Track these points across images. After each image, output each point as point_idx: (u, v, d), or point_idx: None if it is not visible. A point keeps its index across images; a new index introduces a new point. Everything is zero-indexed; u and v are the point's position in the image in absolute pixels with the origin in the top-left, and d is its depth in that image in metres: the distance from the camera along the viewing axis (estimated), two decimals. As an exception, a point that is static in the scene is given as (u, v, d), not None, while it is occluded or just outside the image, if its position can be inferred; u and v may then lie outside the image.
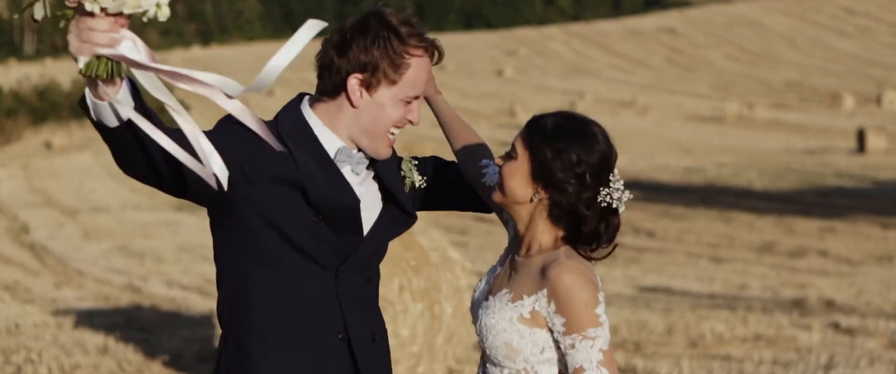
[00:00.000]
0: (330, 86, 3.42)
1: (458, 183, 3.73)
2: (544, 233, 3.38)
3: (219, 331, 3.76)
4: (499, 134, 41.88)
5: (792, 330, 11.43)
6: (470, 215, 22.41)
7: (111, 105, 3.05)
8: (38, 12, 2.95)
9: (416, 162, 3.68)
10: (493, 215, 3.82)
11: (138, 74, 3.04)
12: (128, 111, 3.05)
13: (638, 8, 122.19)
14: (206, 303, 14.09)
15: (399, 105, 3.42)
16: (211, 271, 16.21)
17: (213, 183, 3.15)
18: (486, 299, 3.43)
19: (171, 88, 3.18)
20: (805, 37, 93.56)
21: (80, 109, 3.12)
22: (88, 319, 12.67)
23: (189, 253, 20.85)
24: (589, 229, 3.34)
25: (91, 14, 2.92)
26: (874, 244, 19.84)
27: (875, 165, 34.44)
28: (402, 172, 3.61)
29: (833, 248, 19.52)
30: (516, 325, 3.32)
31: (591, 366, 3.26)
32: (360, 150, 3.46)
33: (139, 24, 3.14)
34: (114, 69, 2.98)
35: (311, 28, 3.12)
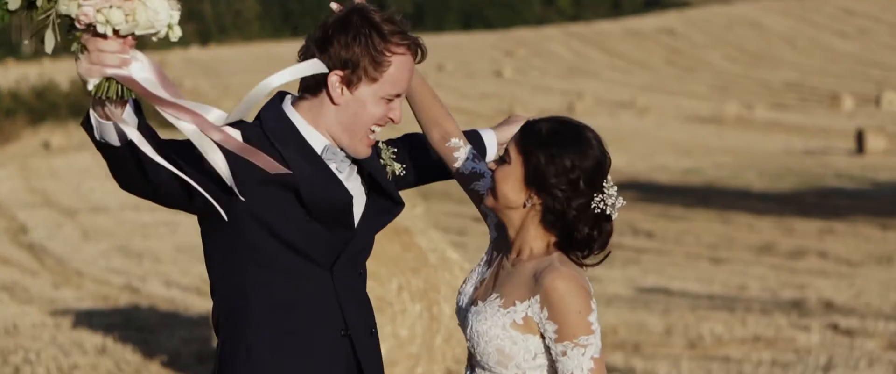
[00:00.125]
0: (312, 82, 3.41)
1: (436, 161, 3.71)
2: (536, 238, 3.38)
3: (217, 331, 3.74)
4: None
5: (791, 331, 11.42)
6: (469, 216, 22.39)
7: (115, 125, 3.06)
8: (49, 42, 2.95)
9: (395, 152, 3.67)
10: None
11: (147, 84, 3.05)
12: (132, 133, 3.07)
13: (637, 8, 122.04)
14: (204, 303, 14.07)
15: (380, 103, 3.41)
16: (209, 271, 16.13)
17: (215, 201, 3.19)
18: (474, 304, 3.42)
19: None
20: (805, 37, 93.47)
21: (84, 129, 3.12)
22: (87, 319, 12.65)
23: (188, 253, 20.80)
24: (582, 236, 3.33)
25: (103, 36, 2.92)
26: (873, 245, 19.80)
27: (874, 165, 34.39)
28: (383, 161, 3.60)
29: (832, 249, 19.49)
30: (509, 331, 3.31)
31: (581, 374, 3.25)
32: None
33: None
34: (123, 91, 2.99)
35: (314, 65, 3.22)
